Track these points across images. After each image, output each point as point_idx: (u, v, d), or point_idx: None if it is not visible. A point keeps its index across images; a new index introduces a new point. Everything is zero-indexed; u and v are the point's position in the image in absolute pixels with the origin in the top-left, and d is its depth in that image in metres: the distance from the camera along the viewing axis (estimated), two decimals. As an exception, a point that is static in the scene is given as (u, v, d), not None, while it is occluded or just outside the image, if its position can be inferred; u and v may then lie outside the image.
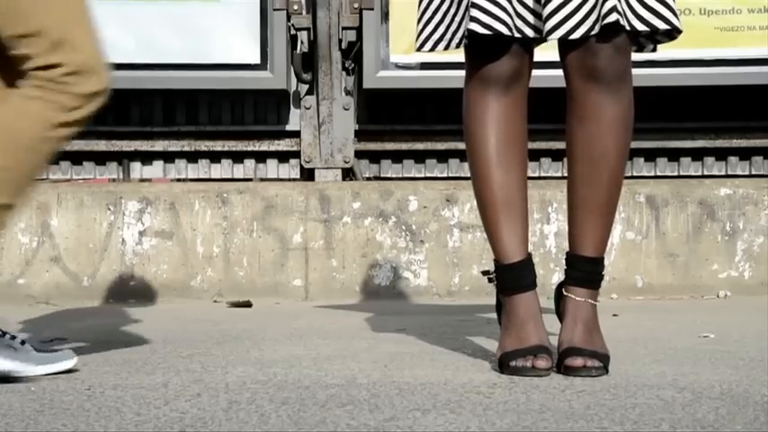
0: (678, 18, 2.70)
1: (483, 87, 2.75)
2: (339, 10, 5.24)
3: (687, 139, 5.36)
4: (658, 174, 5.38)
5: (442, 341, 3.27)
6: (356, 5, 5.22)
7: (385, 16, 5.23)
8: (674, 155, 5.40)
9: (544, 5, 2.65)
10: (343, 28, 5.25)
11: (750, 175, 5.35)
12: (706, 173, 5.39)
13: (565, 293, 2.78)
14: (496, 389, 2.49)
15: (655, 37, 2.77)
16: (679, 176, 5.35)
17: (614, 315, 4.01)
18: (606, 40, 2.65)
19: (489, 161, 2.76)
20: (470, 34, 2.69)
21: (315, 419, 2.18)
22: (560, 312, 2.81)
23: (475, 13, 2.66)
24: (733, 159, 5.40)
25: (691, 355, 3.00)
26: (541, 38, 2.71)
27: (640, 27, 2.66)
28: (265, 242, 4.88)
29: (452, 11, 2.77)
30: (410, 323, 3.78)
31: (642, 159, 5.38)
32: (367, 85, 5.21)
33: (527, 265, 2.78)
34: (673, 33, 2.75)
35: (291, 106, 5.38)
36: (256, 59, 5.22)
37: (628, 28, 2.66)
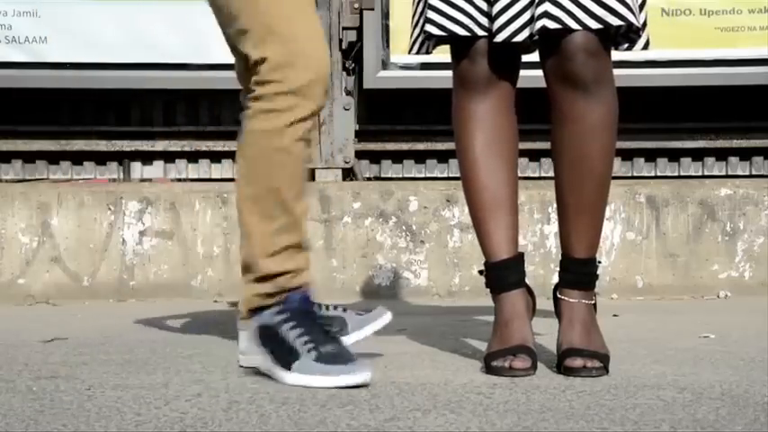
0: (636, 15, 2.66)
1: (465, 90, 2.78)
2: (339, 10, 5.25)
3: (687, 139, 5.36)
4: (659, 174, 5.38)
5: (442, 341, 3.27)
6: (356, 6, 5.22)
7: (385, 16, 5.23)
8: (674, 155, 5.40)
9: (491, 5, 2.68)
10: (344, 28, 5.25)
11: (750, 176, 5.35)
12: (706, 173, 5.39)
13: (559, 296, 2.79)
14: (497, 389, 2.49)
15: (630, 36, 2.75)
16: (679, 177, 5.35)
17: (614, 315, 4.01)
18: (579, 44, 2.63)
19: (474, 163, 2.78)
20: (426, 36, 2.77)
21: (315, 419, 2.18)
22: (558, 314, 2.81)
23: (431, 15, 2.73)
24: (733, 160, 5.40)
25: (691, 355, 3.00)
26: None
27: (594, 25, 2.63)
28: (265, 242, 4.88)
29: (417, 14, 2.83)
30: (410, 323, 3.78)
31: (642, 159, 5.38)
32: (367, 85, 5.22)
33: (513, 263, 2.78)
34: (630, 34, 2.72)
35: (292, 106, 5.37)
36: (256, 59, 5.22)
37: (575, 26, 2.61)
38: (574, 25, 2.61)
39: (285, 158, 2.62)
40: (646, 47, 2.77)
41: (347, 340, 2.77)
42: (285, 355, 2.55)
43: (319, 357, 2.51)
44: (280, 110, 2.59)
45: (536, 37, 2.66)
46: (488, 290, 2.83)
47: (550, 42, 2.66)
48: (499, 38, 2.67)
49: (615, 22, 2.63)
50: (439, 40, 2.81)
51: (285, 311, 2.59)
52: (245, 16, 2.65)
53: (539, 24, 2.62)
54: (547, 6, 2.61)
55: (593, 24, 2.62)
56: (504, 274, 2.78)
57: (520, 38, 2.67)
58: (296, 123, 2.61)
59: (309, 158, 2.70)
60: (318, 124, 5.28)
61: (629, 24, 2.65)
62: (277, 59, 2.59)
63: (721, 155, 5.40)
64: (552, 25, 2.61)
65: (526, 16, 2.66)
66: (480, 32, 2.71)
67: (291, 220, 2.65)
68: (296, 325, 2.57)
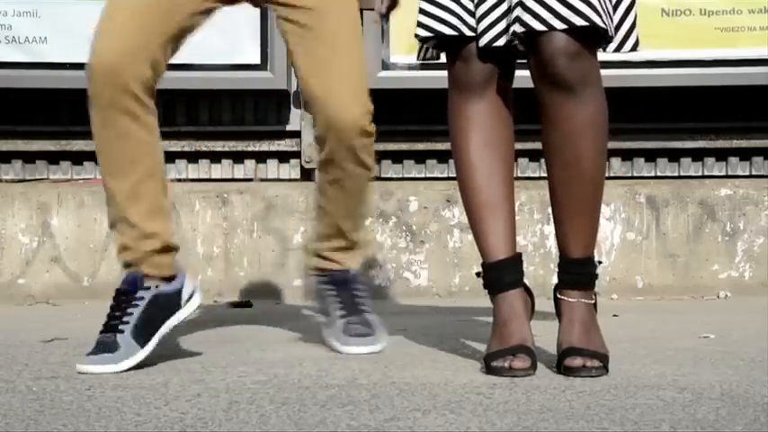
0: (601, 17, 2.64)
1: (459, 94, 2.80)
2: (339, 10, 5.24)
3: (687, 139, 5.36)
4: (659, 174, 5.38)
5: (442, 342, 3.27)
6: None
7: (385, 17, 5.22)
8: (674, 155, 5.40)
9: (475, 9, 2.69)
10: (344, 28, 5.24)
11: (750, 176, 5.35)
12: (706, 173, 5.39)
13: (559, 296, 2.79)
14: (497, 389, 2.49)
15: (609, 37, 2.73)
16: (679, 177, 5.35)
17: (614, 315, 4.01)
18: (559, 47, 2.63)
19: (470, 165, 2.79)
20: (421, 40, 2.80)
21: (315, 420, 2.18)
22: (558, 314, 2.81)
23: (420, 18, 2.77)
24: (733, 160, 5.40)
25: (691, 355, 3.00)
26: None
27: (559, 25, 2.62)
28: (265, 242, 4.88)
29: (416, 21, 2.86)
30: (410, 323, 3.78)
31: (642, 160, 5.38)
32: (367, 85, 5.20)
33: (511, 263, 2.78)
34: (607, 37, 2.70)
35: (292, 106, 5.38)
36: (256, 59, 5.22)
37: (540, 27, 2.60)
38: (538, 26, 2.61)
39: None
40: (634, 48, 2.77)
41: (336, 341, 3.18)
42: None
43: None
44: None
45: (515, 42, 2.67)
46: (486, 291, 2.83)
47: (533, 46, 2.66)
48: (482, 42, 2.69)
49: (579, 22, 2.62)
50: (440, 45, 2.83)
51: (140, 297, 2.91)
52: None
53: (511, 30, 2.64)
54: (518, 11, 2.63)
55: (559, 25, 2.61)
56: (501, 275, 2.78)
57: (501, 42, 2.68)
58: None
59: None
60: (318, 124, 5.28)
61: (595, 25, 2.63)
62: None
63: (721, 155, 5.40)
64: (519, 29, 2.62)
65: (507, 20, 2.67)
66: (468, 32, 2.72)
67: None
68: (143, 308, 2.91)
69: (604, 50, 2.74)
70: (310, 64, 3.09)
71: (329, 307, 3.23)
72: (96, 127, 2.92)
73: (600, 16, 2.62)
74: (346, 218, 3.22)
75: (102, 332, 2.87)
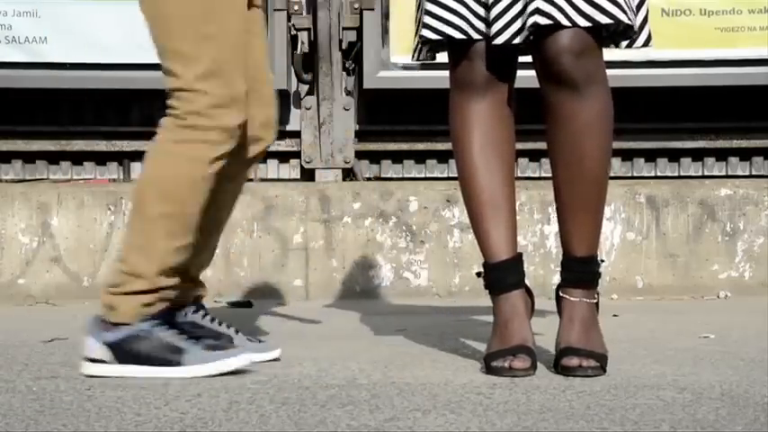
0: (626, 13, 2.64)
1: (461, 93, 2.79)
2: (339, 10, 5.24)
3: (687, 139, 5.36)
4: (659, 174, 5.38)
5: (442, 342, 3.27)
6: (356, 6, 5.22)
7: (385, 16, 5.23)
8: (674, 155, 5.40)
9: (488, 11, 2.68)
10: (344, 28, 5.25)
11: (750, 176, 5.35)
12: (706, 173, 5.39)
13: (561, 295, 2.79)
14: (497, 389, 2.49)
15: (629, 33, 2.73)
16: (679, 177, 5.35)
17: (614, 315, 4.01)
18: (564, 45, 2.62)
19: (473, 165, 2.79)
20: (424, 41, 2.79)
21: (315, 420, 2.18)
22: (560, 312, 2.81)
23: (427, 20, 2.75)
24: (733, 160, 5.40)
25: (691, 355, 3.00)
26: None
27: (583, 23, 2.62)
28: (265, 242, 4.88)
29: (417, 21, 2.84)
30: (410, 323, 3.78)
31: (642, 160, 5.38)
32: (367, 85, 5.21)
33: (513, 264, 2.78)
34: (629, 32, 2.71)
35: (292, 106, 5.38)
36: (257, 60, 5.22)
37: (565, 22, 2.60)
38: (564, 21, 2.60)
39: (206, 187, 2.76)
40: (647, 43, 2.77)
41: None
42: (168, 355, 2.68)
43: (207, 347, 2.72)
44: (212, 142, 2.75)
45: (532, 38, 2.66)
46: (487, 291, 2.83)
47: (539, 43, 2.66)
48: (499, 40, 2.67)
49: (604, 20, 2.62)
50: (439, 46, 2.83)
51: (156, 319, 2.72)
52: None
53: (530, 21, 2.62)
54: (538, 3, 2.61)
55: (583, 22, 2.61)
56: (503, 275, 2.78)
57: (519, 39, 2.67)
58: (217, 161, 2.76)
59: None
60: (318, 124, 5.29)
61: (620, 22, 2.64)
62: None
63: (721, 155, 5.40)
64: (543, 21, 2.61)
65: (521, 22, 2.67)
66: (476, 35, 2.72)
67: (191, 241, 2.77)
68: (168, 327, 2.73)
69: (617, 45, 2.75)
70: (260, 62, 2.94)
71: (220, 331, 3.00)
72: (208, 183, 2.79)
73: (625, 12, 2.63)
74: (217, 234, 3.01)
75: (211, 339, 2.89)
